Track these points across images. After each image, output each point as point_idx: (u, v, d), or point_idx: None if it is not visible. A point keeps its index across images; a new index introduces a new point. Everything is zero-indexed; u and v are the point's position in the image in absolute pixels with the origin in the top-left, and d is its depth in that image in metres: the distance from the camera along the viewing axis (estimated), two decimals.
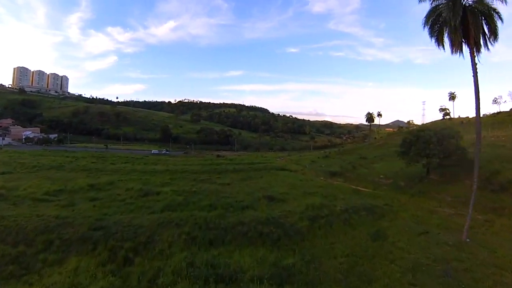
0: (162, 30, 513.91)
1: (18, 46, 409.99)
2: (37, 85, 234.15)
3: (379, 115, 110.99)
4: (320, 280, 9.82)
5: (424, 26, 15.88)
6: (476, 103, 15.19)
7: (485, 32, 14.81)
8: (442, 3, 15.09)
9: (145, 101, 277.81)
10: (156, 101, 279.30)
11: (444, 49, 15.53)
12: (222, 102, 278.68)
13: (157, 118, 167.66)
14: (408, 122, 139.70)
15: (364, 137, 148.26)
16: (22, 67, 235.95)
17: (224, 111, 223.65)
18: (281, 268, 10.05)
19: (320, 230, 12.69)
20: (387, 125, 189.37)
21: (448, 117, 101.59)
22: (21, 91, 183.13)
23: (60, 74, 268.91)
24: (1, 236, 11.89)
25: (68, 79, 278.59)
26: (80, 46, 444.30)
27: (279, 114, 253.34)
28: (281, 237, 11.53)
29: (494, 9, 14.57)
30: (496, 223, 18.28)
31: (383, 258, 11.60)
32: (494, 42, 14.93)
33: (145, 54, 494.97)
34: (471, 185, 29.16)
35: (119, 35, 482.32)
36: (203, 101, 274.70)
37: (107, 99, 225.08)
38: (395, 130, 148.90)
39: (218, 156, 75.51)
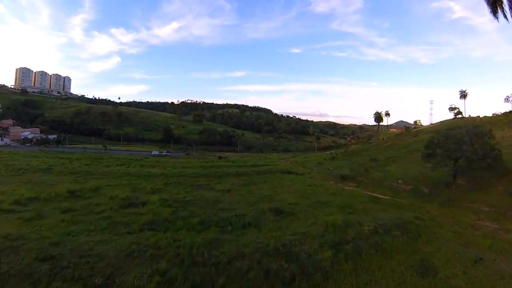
0: (165, 31, 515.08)
1: (21, 47, 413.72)
2: (39, 86, 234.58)
3: (387, 114, 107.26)
4: None
5: None
6: None
7: None
8: None
9: (147, 101, 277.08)
10: (159, 102, 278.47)
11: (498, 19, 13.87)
12: (225, 103, 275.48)
13: (159, 118, 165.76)
14: (415, 122, 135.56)
15: (368, 137, 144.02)
16: (25, 67, 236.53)
17: (227, 111, 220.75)
18: None
19: (348, 263, 9.23)
20: (390, 126, 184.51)
21: (460, 116, 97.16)
22: (23, 91, 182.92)
23: (63, 75, 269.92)
24: None
25: (70, 79, 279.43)
26: (84, 47, 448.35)
27: (282, 115, 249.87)
28: (296, 276, 8.10)
29: None
30: None
31: None
32: None
33: (148, 55, 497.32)
34: (505, 191, 25.88)
35: (123, 36, 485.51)
36: (206, 102, 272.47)
37: (109, 100, 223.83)
38: (399, 130, 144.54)
39: (220, 157, 72.57)
